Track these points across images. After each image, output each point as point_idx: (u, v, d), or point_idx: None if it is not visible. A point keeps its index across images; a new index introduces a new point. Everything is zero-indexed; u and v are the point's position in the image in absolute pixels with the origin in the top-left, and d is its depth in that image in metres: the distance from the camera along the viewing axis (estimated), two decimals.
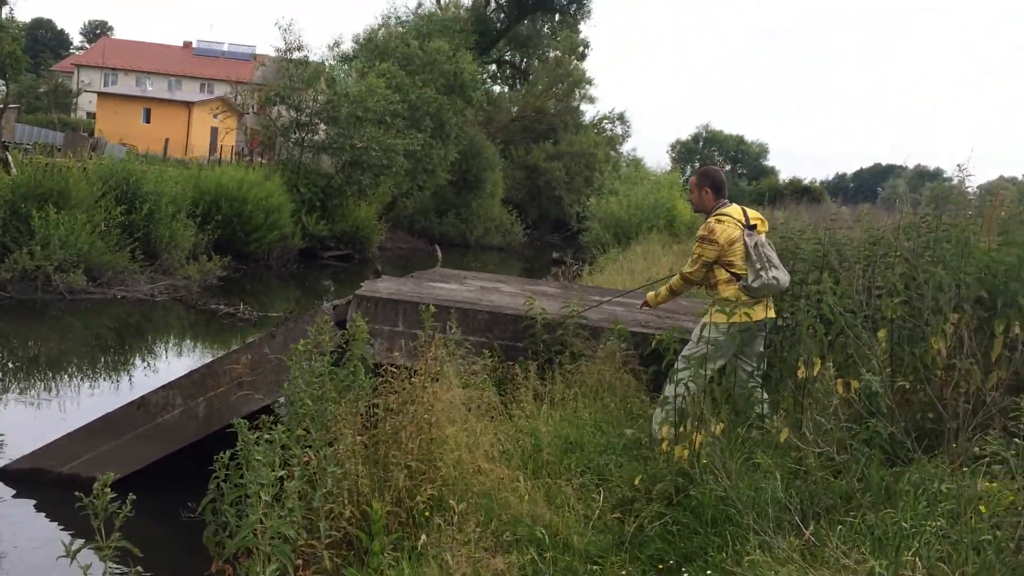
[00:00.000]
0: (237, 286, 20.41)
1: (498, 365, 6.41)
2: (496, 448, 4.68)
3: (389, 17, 38.15)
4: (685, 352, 5.72)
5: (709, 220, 5.82)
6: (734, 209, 5.85)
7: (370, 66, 31.99)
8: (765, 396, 5.36)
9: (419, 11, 39.29)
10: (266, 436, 3.45)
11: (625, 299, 9.76)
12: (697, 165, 75.64)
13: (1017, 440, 3.72)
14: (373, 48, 34.52)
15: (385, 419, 4.78)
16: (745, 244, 5.63)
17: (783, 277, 5.63)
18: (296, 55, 28.44)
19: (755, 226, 5.77)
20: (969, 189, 7.93)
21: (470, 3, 45.83)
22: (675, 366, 5.64)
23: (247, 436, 3.47)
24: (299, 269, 25.56)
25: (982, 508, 3.58)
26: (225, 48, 63.83)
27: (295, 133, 28.69)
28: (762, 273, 5.58)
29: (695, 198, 6.04)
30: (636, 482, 4.80)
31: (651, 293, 6.41)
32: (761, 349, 5.72)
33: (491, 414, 5.38)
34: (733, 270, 5.68)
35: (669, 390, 5.39)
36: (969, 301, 4.44)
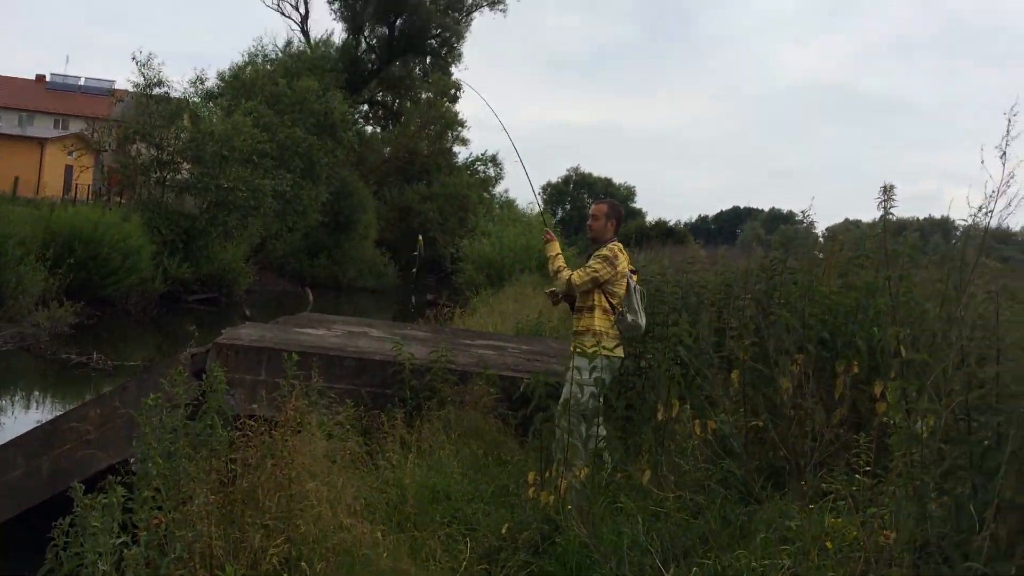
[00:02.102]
0: (92, 333, 19.32)
1: (364, 414, 6.28)
2: (359, 502, 4.56)
3: (256, 55, 37.45)
4: (569, 394, 5.48)
5: (612, 245, 5.90)
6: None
7: (236, 104, 31.27)
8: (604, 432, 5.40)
9: (288, 49, 38.76)
10: (103, 500, 3.24)
11: (495, 341, 9.80)
12: (568, 207, 77.07)
13: (858, 476, 3.91)
14: (239, 85, 33.80)
15: (243, 475, 4.57)
16: (628, 282, 5.82)
17: (643, 324, 5.86)
18: (157, 91, 27.49)
19: (635, 271, 6.07)
20: (817, 232, 8.38)
21: (341, 43, 45.62)
22: (561, 410, 5.33)
23: (82, 501, 3.25)
24: (161, 314, 24.48)
25: (828, 544, 3.73)
26: (82, 82, 60.93)
27: (156, 172, 27.66)
28: (635, 315, 5.78)
29: (600, 226, 5.98)
30: (503, 531, 4.77)
31: (555, 245, 6.11)
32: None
33: (356, 466, 5.25)
34: (613, 300, 5.80)
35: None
36: (812, 342, 4.67)
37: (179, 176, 28.28)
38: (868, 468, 3.98)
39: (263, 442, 4.64)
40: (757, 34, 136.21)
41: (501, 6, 48.09)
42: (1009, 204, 3.24)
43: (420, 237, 8.69)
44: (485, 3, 48.14)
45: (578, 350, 5.48)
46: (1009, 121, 3.07)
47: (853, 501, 3.89)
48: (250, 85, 33.56)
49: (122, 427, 6.45)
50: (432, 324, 13.33)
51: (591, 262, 5.81)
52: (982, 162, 3.13)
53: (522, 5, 59.33)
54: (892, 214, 4.09)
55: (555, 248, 6.12)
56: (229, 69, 36.06)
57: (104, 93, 52.84)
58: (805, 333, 4.69)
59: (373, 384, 6.99)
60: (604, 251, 5.83)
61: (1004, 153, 3.09)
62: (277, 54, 38.35)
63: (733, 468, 4.39)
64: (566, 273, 5.86)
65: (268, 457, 4.47)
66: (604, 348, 5.36)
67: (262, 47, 38.36)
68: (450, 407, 6.58)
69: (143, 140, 27.55)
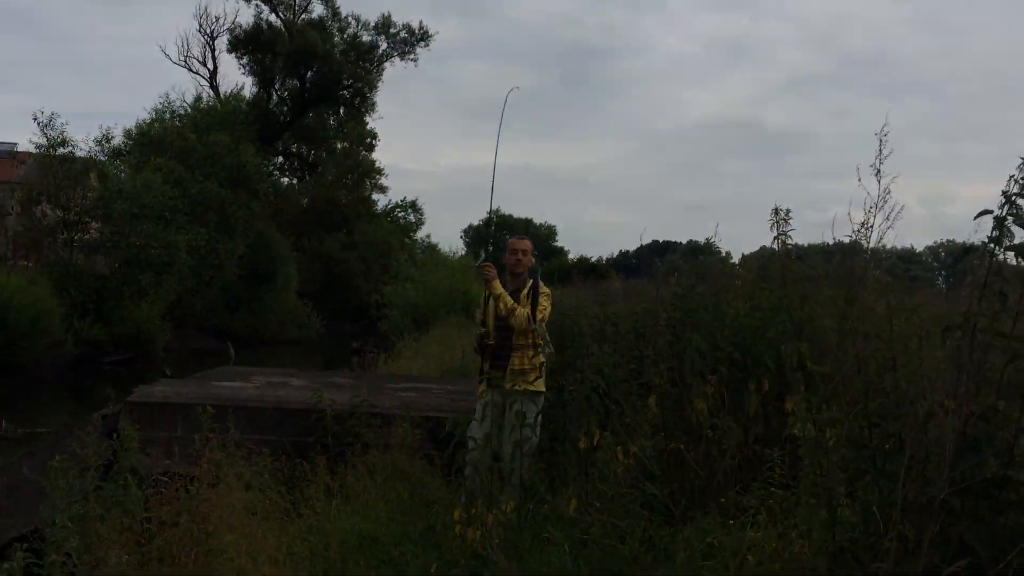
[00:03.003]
0: (2, 402, 18.47)
1: (286, 463, 6.16)
2: (281, 552, 4.46)
3: (163, 111, 36.79)
4: (520, 435, 5.18)
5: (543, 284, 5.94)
6: None
7: (145, 161, 30.66)
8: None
9: (197, 105, 38.24)
10: (6, 566, 3.10)
11: (419, 384, 9.75)
12: (491, 249, 77.54)
13: (773, 489, 4.01)
14: (147, 142, 33.12)
15: (158, 533, 4.44)
16: None
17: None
18: (61, 151, 26.78)
19: None
20: (735, 260, 8.62)
21: (251, 97, 45.25)
22: (508, 449, 5.28)
23: None
24: (76, 378, 23.58)
25: (749, 557, 3.81)
26: None
27: (63, 233, 26.86)
28: (549, 346, 5.83)
29: (527, 261, 5.98)
30: (432, 570, 4.72)
31: (503, 290, 5.80)
32: None
33: (278, 516, 5.14)
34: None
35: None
36: (724, 363, 4.79)
37: (88, 236, 27.51)
38: (783, 481, 4.09)
39: (178, 498, 4.53)
40: (661, 77, 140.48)
41: (412, 56, 48.40)
42: (888, 218, 3.43)
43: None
44: (396, 53, 48.38)
45: (530, 388, 5.59)
46: (880, 141, 3.26)
47: (770, 514, 3.99)
48: (159, 141, 32.92)
49: (31, 494, 6.17)
50: (356, 371, 13.19)
51: (540, 301, 5.80)
52: (859, 180, 3.31)
53: (433, 54, 60.38)
54: (788, 236, 4.27)
55: (500, 286, 5.86)
56: (136, 126, 35.39)
57: (5, 156, 51.21)
58: (716, 355, 4.81)
59: (294, 433, 6.87)
60: (547, 289, 5.92)
61: (879, 171, 3.27)
62: (186, 109, 37.78)
63: (654, 491, 4.45)
64: (523, 311, 5.71)
65: (184, 513, 4.36)
66: (527, 384, 5.47)
67: (170, 103, 37.77)
68: (374, 451, 6.51)
69: (49, 201, 26.77)
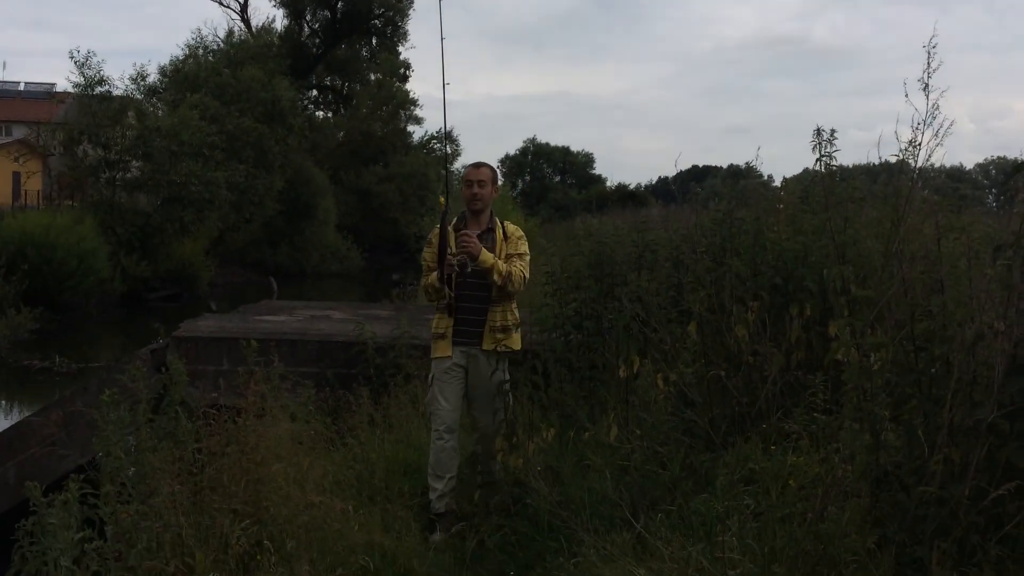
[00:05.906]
0: (54, 338, 19.00)
1: (330, 395, 6.27)
2: (328, 479, 4.56)
3: (196, 47, 36.65)
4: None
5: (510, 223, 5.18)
6: None
7: (181, 98, 30.71)
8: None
9: (230, 40, 38.03)
10: (62, 496, 3.21)
11: None
12: (528, 178, 77.01)
13: (816, 415, 3.98)
14: (182, 79, 33.11)
15: (209, 463, 4.56)
16: None
17: None
18: (98, 90, 26.93)
19: None
20: (776, 184, 8.44)
21: (283, 29, 44.88)
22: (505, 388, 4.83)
23: (39, 499, 3.21)
24: (124, 314, 24.13)
25: (791, 482, 3.80)
26: (21, 87, 59.33)
27: (105, 172, 27.18)
28: None
29: (488, 194, 5.03)
30: (475, 497, 4.82)
31: (491, 257, 4.80)
32: None
33: (323, 445, 5.25)
34: None
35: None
36: (765, 289, 4.71)
37: (129, 175, 27.82)
38: (826, 406, 4.05)
39: (226, 430, 4.63)
40: None
41: None
42: (936, 135, 3.29)
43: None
44: None
45: (513, 348, 4.96)
46: (928, 54, 3.11)
47: (813, 439, 3.97)
48: (193, 78, 32.91)
49: (85, 427, 6.36)
50: (396, 303, 13.30)
51: (522, 248, 4.99)
52: (906, 96, 3.17)
53: None
54: (832, 157, 4.13)
55: (490, 255, 4.81)
56: (170, 63, 35.37)
57: (44, 97, 51.54)
58: (757, 280, 4.74)
59: (337, 365, 6.97)
60: (521, 232, 5.09)
61: (927, 86, 3.12)
62: (218, 45, 37.62)
63: (695, 418, 4.45)
64: (518, 271, 4.87)
65: (232, 443, 4.45)
66: (510, 344, 4.94)
67: (202, 39, 37.61)
68: (416, 381, 6.59)
69: (89, 141, 27.04)
